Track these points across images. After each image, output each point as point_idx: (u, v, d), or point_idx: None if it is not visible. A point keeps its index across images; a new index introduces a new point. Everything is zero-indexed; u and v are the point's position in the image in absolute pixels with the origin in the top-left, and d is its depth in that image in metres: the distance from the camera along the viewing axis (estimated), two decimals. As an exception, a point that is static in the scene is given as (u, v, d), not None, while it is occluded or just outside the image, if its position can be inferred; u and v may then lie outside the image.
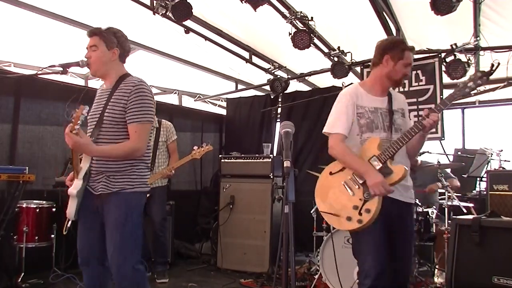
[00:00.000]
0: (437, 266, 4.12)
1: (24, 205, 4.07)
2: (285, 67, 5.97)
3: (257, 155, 5.25)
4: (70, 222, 2.46)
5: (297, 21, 4.39)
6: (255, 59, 5.64)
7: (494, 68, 2.32)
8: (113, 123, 2.40)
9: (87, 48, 2.48)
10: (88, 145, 2.33)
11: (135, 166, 2.41)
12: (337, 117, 2.49)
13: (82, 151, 2.40)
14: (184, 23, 4.43)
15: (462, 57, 4.72)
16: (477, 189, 4.99)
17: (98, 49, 2.45)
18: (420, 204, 4.27)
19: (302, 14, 4.34)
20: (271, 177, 4.94)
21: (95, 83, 6.19)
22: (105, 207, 2.37)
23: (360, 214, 2.33)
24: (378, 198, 2.32)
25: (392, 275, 2.44)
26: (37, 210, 4.11)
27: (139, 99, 2.36)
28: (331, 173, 2.52)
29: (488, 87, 5.37)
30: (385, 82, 2.55)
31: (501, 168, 4.30)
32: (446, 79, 4.85)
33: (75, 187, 2.39)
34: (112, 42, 2.47)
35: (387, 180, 2.33)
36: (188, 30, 4.59)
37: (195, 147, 4.46)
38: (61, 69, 2.57)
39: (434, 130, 4.79)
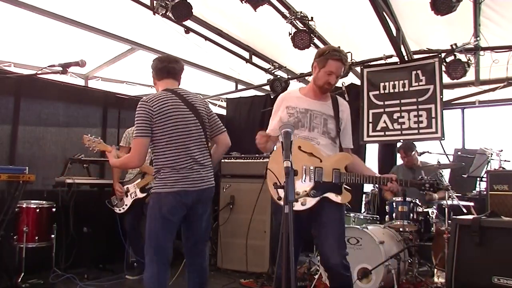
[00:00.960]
0: (437, 266, 4.12)
1: (24, 205, 4.07)
2: (285, 67, 5.97)
3: (257, 155, 5.24)
4: None
5: (297, 21, 4.39)
6: (255, 59, 5.63)
7: (440, 187, 2.75)
8: None
9: None
10: (109, 158, 3.01)
11: (157, 172, 2.70)
12: (270, 119, 2.92)
13: None
14: (184, 23, 4.43)
15: (462, 57, 4.72)
16: (477, 189, 4.98)
17: None
18: (420, 204, 4.28)
19: (302, 14, 4.34)
20: (271, 177, 4.93)
21: (95, 83, 6.20)
22: None
23: (296, 200, 2.51)
24: (316, 200, 2.56)
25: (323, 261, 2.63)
26: (37, 210, 4.11)
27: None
28: (299, 148, 2.63)
29: (488, 87, 5.38)
30: (314, 87, 2.76)
31: (501, 168, 4.30)
32: (446, 79, 4.85)
33: None
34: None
35: (332, 196, 2.60)
36: (188, 30, 4.59)
37: None
38: (61, 69, 2.59)
39: (434, 130, 4.82)
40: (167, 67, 2.85)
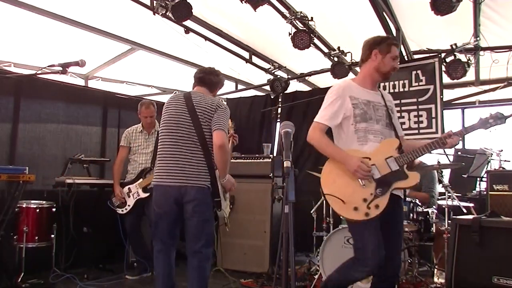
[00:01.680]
0: (437, 266, 4.12)
1: (24, 205, 4.07)
2: (285, 67, 5.97)
3: (257, 155, 5.24)
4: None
5: (297, 21, 4.39)
6: (255, 59, 5.63)
7: (506, 115, 2.54)
8: None
9: None
10: None
11: None
12: (323, 108, 2.62)
13: None
14: (184, 23, 4.43)
15: (462, 57, 4.72)
16: (477, 189, 4.98)
17: None
18: (420, 204, 4.27)
19: (302, 14, 4.34)
20: (271, 177, 4.93)
21: (95, 83, 6.20)
22: None
23: (368, 207, 2.42)
24: (387, 196, 2.42)
25: (383, 264, 2.49)
26: (37, 210, 4.11)
27: None
28: None
29: (488, 87, 5.38)
30: (374, 76, 2.70)
31: (501, 168, 4.30)
32: (446, 79, 4.85)
33: None
34: None
35: (400, 184, 2.48)
36: (188, 30, 4.59)
37: None
38: (61, 69, 2.60)
39: (434, 130, 4.83)
40: (203, 78, 3.15)
